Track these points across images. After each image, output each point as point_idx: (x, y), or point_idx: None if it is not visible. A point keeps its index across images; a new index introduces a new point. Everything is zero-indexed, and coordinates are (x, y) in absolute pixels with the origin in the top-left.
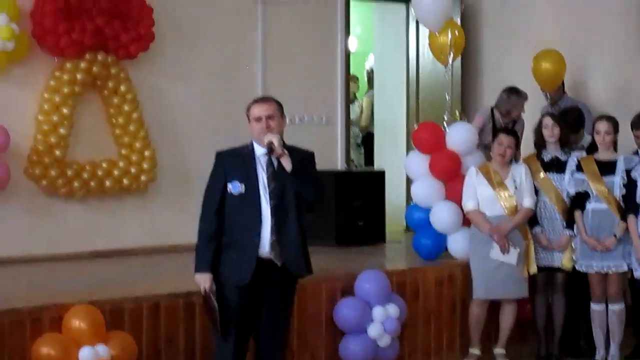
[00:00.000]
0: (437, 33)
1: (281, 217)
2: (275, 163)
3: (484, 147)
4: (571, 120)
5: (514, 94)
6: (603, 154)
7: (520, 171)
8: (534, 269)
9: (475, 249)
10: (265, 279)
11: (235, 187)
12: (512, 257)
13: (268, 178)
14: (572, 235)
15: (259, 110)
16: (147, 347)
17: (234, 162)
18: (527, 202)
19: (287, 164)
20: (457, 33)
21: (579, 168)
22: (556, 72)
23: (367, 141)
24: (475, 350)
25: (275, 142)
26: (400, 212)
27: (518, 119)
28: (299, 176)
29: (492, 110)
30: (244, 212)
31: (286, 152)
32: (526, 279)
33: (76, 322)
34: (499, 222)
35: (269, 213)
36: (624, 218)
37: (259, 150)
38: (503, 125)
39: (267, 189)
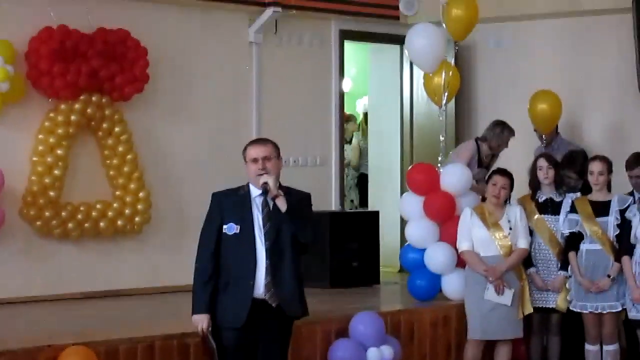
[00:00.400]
0: (430, 74)
1: (276, 258)
2: (271, 204)
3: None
4: (579, 163)
5: (506, 130)
6: (597, 195)
7: (515, 212)
8: (529, 310)
9: (470, 289)
10: (260, 320)
11: (230, 228)
12: (507, 298)
13: (263, 219)
14: (566, 276)
15: (255, 152)
16: None
17: (230, 202)
18: (522, 242)
19: (282, 205)
20: (451, 74)
21: (573, 209)
22: (552, 113)
23: (360, 182)
24: None
25: (271, 183)
26: (395, 253)
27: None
28: (295, 217)
29: (476, 141)
30: (239, 253)
31: (281, 193)
32: (521, 320)
33: None
34: (494, 262)
35: (264, 254)
36: (617, 259)
37: (255, 192)
38: (485, 158)
39: (262, 230)
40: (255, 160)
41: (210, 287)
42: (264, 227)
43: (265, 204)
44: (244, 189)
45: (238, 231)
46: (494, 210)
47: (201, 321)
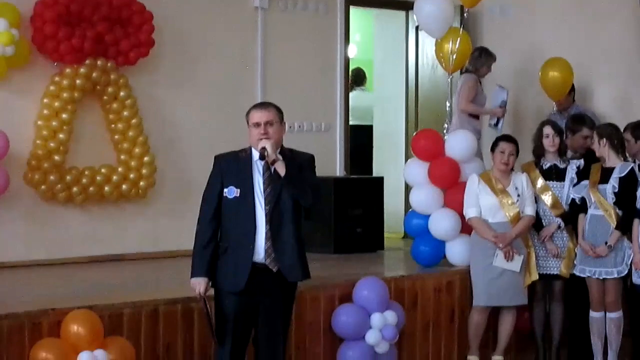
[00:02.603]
0: (438, 40)
1: (276, 222)
2: (272, 168)
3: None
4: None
5: (484, 53)
6: (605, 162)
7: (521, 179)
8: (535, 276)
9: (477, 256)
10: (261, 285)
11: (230, 192)
12: (516, 264)
13: (264, 183)
14: (560, 225)
15: (258, 116)
16: (145, 352)
17: (232, 166)
18: (529, 210)
19: (281, 169)
20: (459, 41)
21: (579, 175)
22: (564, 81)
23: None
24: (474, 358)
25: (269, 149)
26: (399, 219)
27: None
28: (295, 181)
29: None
30: (239, 217)
31: (280, 157)
32: (526, 287)
33: (75, 327)
34: (502, 229)
35: (264, 218)
36: (618, 226)
37: (257, 155)
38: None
39: (263, 194)
40: (257, 124)
41: (209, 251)
42: (264, 191)
43: (266, 167)
44: (246, 152)
45: (238, 195)
46: (501, 177)
47: (199, 284)
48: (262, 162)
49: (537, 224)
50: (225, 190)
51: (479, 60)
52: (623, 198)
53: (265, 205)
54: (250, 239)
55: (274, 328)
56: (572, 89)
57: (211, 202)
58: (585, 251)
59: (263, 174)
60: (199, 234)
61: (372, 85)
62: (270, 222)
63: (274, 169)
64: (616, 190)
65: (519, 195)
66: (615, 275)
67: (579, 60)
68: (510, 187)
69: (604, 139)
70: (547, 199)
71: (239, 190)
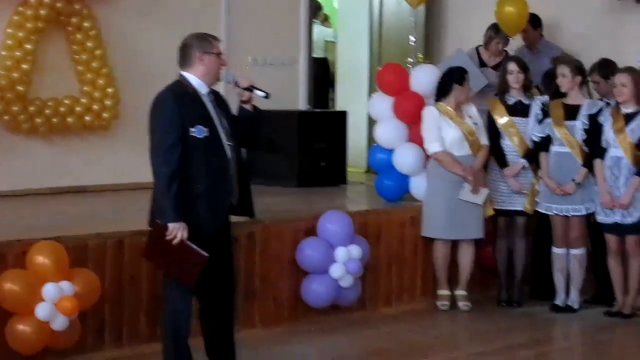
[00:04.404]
0: None
1: (236, 156)
2: (214, 102)
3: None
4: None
5: (491, 29)
6: (570, 99)
7: (472, 110)
8: (491, 211)
9: (436, 190)
10: (227, 225)
11: (200, 132)
12: (481, 197)
13: (220, 117)
14: (524, 165)
15: (220, 45)
16: (110, 284)
17: (188, 103)
18: (484, 139)
19: (255, 102)
20: None
21: (544, 112)
22: (519, 16)
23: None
24: (444, 291)
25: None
26: (362, 153)
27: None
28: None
29: (477, 50)
30: (211, 156)
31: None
32: (483, 221)
33: (40, 259)
34: (468, 162)
35: (230, 154)
36: (585, 164)
37: (204, 88)
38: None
39: (223, 129)
40: (220, 53)
41: (179, 193)
42: (221, 126)
43: (214, 100)
44: (189, 87)
45: (208, 133)
46: (455, 108)
47: (181, 229)
48: (210, 96)
49: (501, 160)
50: (193, 130)
51: (485, 34)
52: (591, 135)
53: (227, 140)
54: (227, 177)
55: (229, 266)
56: (539, 24)
57: (177, 140)
58: (552, 189)
59: (215, 108)
60: (170, 174)
61: (335, 19)
62: (235, 158)
63: (217, 102)
64: (586, 127)
65: (475, 123)
66: (584, 212)
67: None
68: (466, 118)
69: (579, 76)
70: (514, 138)
71: (207, 129)
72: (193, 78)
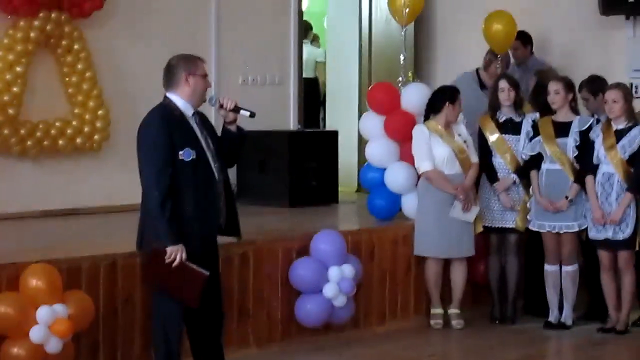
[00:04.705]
0: None
1: (224, 178)
2: (199, 124)
3: None
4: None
5: (490, 52)
6: (560, 116)
7: (462, 128)
8: (480, 228)
9: (427, 208)
10: (215, 247)
11: (187, 155)
12: (472, 215)
13: (206, 139)
14: (515, 180)
15: (205, 67)
16: (104, 305)
17: (175, 125)
18: (474, 157)
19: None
20: None
21: (534, 129)
22: (507, 34)
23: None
24: (438, 310)
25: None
26: (352, 172)
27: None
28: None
29: (477, 72)
30: (200, 179)
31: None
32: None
33: (34, 281)
34: (458, 180)
35: (217, 177)
36: (577, 180)
37: (189, 110)
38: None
39: (210, 152)
40: (206, 75)
41: (174, 218)
42: (208, 148)
43: (200, 121)
44: (176, 109)
45: (195, 157)
46: (444, 127)
47: (180, 251)
48: (195, 118)
49: (491, 176)
50: (181, 152)
51: (483, 59)
52: (582, 152)
53: (214, 162)
54: (215, 198)
55: (217, 288)
56: (530, 41)
57: (167, 163)
58: (545, 207)
59: (202, 130)
60: (163, 197)
61: (324, 38)
62: (222, 179)
63: (202, 124)
64: (578, 143)
65: (465, 141)
66: (576, 229)
67: (534, 9)
68: (456, 136)
69: (572, 93)
70: (506, 155)
71: (194, 151)
72: (179, 99)
